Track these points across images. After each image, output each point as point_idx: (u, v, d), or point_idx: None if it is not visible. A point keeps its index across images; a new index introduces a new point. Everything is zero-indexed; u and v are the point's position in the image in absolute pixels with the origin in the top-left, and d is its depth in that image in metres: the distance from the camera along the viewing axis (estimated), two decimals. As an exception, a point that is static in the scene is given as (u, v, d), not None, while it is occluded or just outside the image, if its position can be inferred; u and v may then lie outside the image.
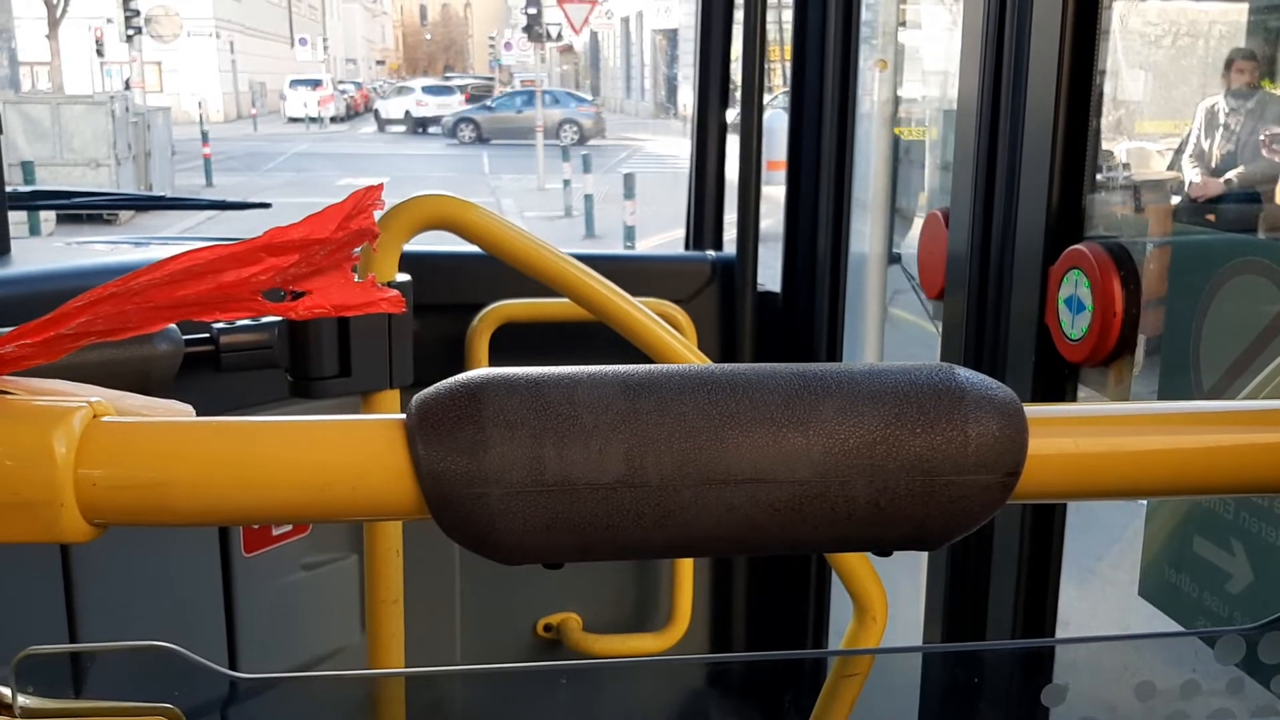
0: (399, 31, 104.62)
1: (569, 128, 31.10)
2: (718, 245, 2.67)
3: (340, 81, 53.01)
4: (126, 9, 29.80)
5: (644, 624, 2.64)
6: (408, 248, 1.76)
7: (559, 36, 40.15)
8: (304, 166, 23.75)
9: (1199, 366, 1.56)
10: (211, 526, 1.93)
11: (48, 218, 11.74)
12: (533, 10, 25.49)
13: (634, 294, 1.79)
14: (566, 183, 17.35)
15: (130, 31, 30.32)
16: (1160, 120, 2.23)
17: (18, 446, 0.50)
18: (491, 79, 50.07)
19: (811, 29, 2.47)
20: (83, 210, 8.24)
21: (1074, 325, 1.70)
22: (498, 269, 1.80)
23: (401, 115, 36.87)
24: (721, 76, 2.69)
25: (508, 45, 40.79)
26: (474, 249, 1.76)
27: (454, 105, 37.62)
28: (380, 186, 0.53)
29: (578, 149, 17.61)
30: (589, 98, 34.10)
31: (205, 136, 21.59)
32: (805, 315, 2.55)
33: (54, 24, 34.64)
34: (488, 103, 33.32)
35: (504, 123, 31.43)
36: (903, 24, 3.03)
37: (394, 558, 1.81)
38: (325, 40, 60.53)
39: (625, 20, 47.34)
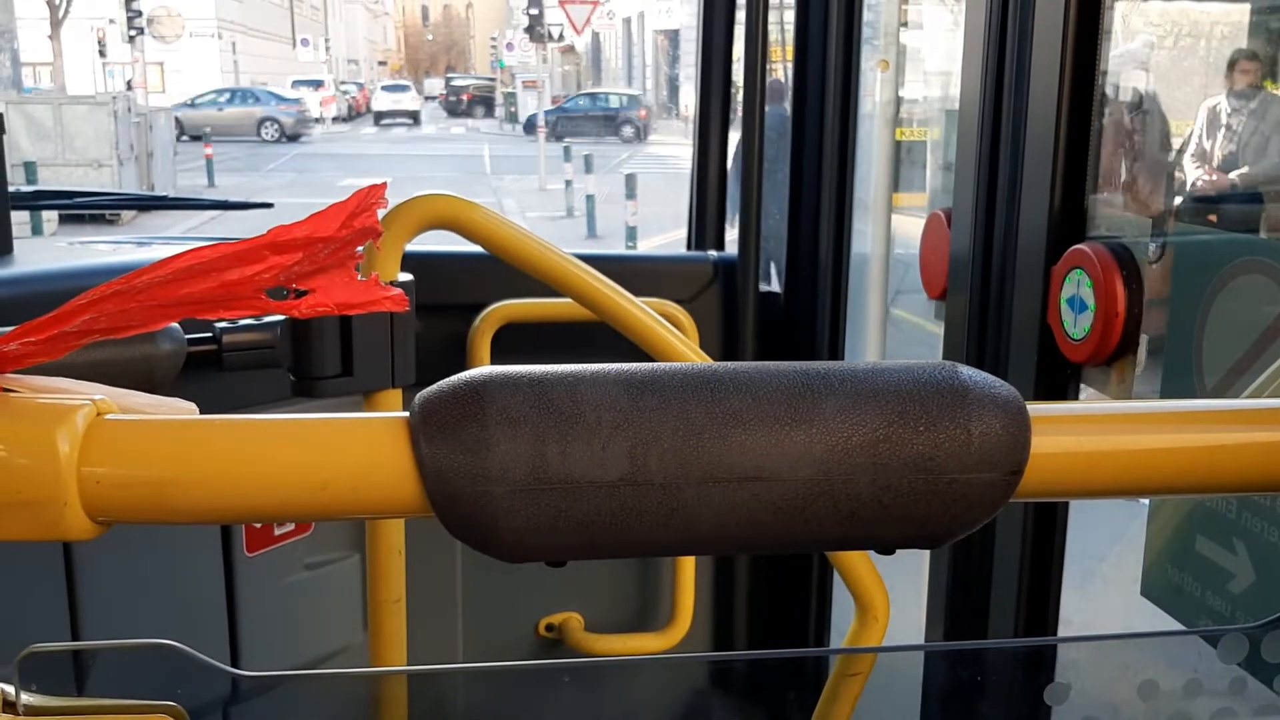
0: (401, 32, 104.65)
1: (269, 125, 31.25)
2: (719, 245, 2.67)
3: (342, 82, 53.13)
4: (129, 9, 29.88)
5: (646, 624, 2.64)
6: (410, 248, 1.76)
7: (560, 37, 40.23)
8: (306, 167, 23.76)
9: (1201, 366, 1.56)
10: (214, 525, 1.93)
11: (50, 218, 11.76)
12: (534, 11, 25.54)
13: (636, 294, 1.79)
14: (568, 183, 17.36)
15: (132, 32, 30.42)
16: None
17: (21, 444, 0.50)
18: (493, 79, 50.08)
19: (813, 29, 2.46)
20: (85, 210, 8.25)
21: (1076, 325, 1.70)
22: (500, 269, 1.80)
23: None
24: (723, 77, 2.68)
25: (509, 46, 40.83)
26: (476, 249, 1.76)
27: (406, 102, 40.54)
28: (384, 185, 0.53)
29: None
30: (291, 97, 33.58)
31: (207, 137, 21.61)
32: (807, 315, 2.55)
33: (56, 24, 34.66)
34: (194, 100, 33.29)
35: (207, 120, 31.04)
36: (904, 24, 3.02)
37: (396, 557, 1.81)
38: (327, 41, 60.65)
39: (627, 21, 47.32)
